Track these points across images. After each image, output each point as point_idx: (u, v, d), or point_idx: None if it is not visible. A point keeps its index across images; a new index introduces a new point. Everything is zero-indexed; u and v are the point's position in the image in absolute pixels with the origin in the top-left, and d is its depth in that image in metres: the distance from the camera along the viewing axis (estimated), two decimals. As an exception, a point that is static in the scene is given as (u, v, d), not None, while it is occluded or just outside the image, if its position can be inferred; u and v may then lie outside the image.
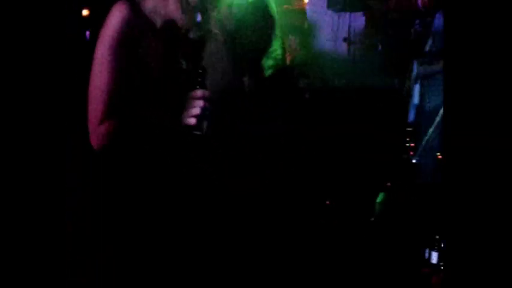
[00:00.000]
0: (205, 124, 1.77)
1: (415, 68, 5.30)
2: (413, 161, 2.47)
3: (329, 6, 6.23)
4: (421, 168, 5.01)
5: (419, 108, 5.36)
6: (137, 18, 1.84)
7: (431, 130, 2.43)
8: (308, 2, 6.39)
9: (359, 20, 6.49)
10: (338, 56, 6.30)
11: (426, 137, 2.50)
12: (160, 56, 1.82)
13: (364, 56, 6.42)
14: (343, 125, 5.60)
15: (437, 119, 2.39)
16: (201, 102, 1.75)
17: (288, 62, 4.78)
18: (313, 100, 5.73)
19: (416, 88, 5.35)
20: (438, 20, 4.96)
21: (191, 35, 1.89)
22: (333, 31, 6.25)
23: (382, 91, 5.88)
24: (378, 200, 4.80)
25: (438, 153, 5.60)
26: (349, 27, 6.15)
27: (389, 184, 5.44)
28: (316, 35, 6.53)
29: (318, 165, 5.19)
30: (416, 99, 5.37)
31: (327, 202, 5.07)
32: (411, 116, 5.46)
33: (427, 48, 5.12)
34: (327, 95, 5.88)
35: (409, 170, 4.97)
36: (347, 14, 6.18)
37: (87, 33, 5.06)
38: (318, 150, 5.28)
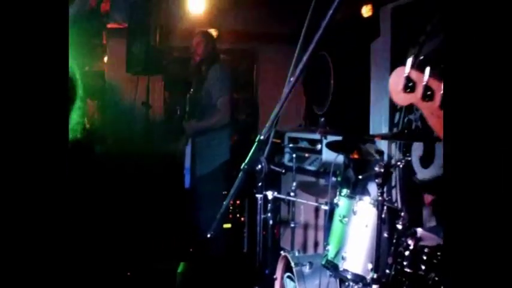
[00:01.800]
0: None
1: (187, 129, 5.56)
2: (208, 235, 2.53)
3: (128, 69, 6.17)
4: (215, 242, 5.18)
5: (192, 173, 5.58)
6: None
7: (225, 203, 2.50)
8: (107, 64, 6.33)
9: (159, 83, 6.58)
10: (136, 119, 6.29)
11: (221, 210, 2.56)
12: None
13: (164, 119, 6.53)
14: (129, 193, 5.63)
15: (232, 191, 2.46)
16: None
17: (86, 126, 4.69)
18: (109, 165, 5.65)
19: (188, 151, 5.58)
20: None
21: None
22: (132, 94, 6.22)
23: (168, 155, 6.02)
24: (179, 270, 4.85)
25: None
26: (148, 90, 6.17)
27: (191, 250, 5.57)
28: (115, 98, 6.48)
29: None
30: (187, 163, 5.59)
31: (128, 274, 5.00)
32: (187, 182, 5.65)
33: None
34: (122, 161, 5.82)
35: (204, 244, 5.15)
36: (146, 78, 6.19)
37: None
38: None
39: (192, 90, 5.68)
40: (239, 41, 7.14)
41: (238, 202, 6.54)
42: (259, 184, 2.53)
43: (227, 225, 6.33)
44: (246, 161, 2.28)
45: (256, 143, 2.27)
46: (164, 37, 5.95)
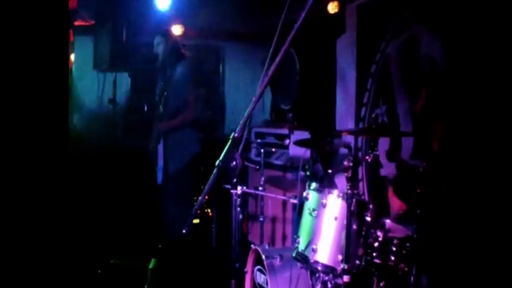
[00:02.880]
0: None
1: (155, 128, 5.58)
2: (183, 231, 2.59)
3: (95, 66, 6.14)
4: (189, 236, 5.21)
5: (164, 170, 5.60)
6: None
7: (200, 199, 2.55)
8: (74, 62, 6.28)
9: (125, 80, 6.56)
10: (102, 117, 6.26)
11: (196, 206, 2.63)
12: None
13: (128, 117, 6.51)
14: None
15: (207, 187, 2.52)
16: None
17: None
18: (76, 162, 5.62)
19: (160, 148, 5.61)
20: None
21: None
22: (99, 91, 6.19)
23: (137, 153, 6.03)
24: (150, 266, 4.87)
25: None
26: (115, 87, 6.15)
27: (160, 246, 5.58)
28: (82, 96, 6.43)
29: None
30: (161, 162, 5.62)
31: (98, 271, 5.01)
32: (159, 178, 5.68)
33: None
34: (86, 157, 5.80)
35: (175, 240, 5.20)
36: (113, 74, 6.17)
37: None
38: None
39: (159, 89, 5.71)
40: (205, 37, 7.17)
41: (206, 198, 6.56)
42: (234, 180, 2.59)
43: (196, 221, 6.36)
44: (220, 158, 2.34)
45: (230, 141, 2.32)
46: (131, 34, 5.95)
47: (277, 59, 2.09)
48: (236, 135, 2.28)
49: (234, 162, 2.46)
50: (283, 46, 2.11)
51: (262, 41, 7.36)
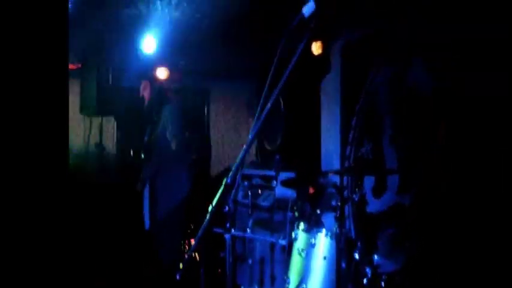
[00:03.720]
0: None
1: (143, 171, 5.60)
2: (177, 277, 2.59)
3: (81, 111, 6.17)
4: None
5: (152, 215, 5.60)
6: None
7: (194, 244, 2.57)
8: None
9: (112, 123, 6.58)
10: (89, 160, 6.26)
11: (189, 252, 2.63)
12: None
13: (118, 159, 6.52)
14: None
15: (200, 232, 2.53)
16: None
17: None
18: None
19: (146, 193, 5.61)
20: None
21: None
22: (85, 136, 6.21)
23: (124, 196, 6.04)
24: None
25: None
26: (101, 131, 6.17)
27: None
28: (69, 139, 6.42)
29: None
30: (146, 205, 5.61)
31: None
32: (146, 224, 5.66)
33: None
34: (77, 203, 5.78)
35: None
36: (99, 119, 6.20)
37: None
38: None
39: (146, 133, 5.75)
40: (190, 79, 7.24)
41: (192, 241, 6.57)
42: (228, 225, 2.61)
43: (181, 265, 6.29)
44: (213, 203, 2.36)
45: (223, 186, 2.35)
46: (116, 78, 6.00)
47: (269, 105, 2.15)
48: (229, 181, 2.32)
49: (227, 208, 2.49)
50: (273, 90, 2.17)
51: (247, 81, 7.52)
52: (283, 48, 2.45)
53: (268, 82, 2.42)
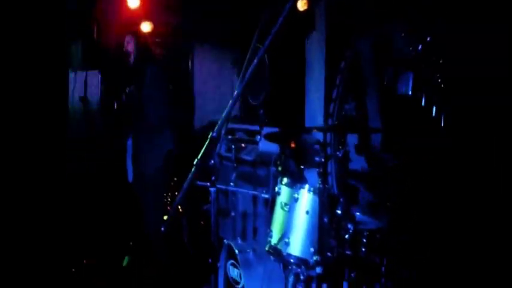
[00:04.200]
0: None
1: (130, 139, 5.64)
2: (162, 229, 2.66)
3: (65, 64, 6.12)
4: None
5: (135, 167, 5.65)
6: None
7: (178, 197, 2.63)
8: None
9: (96, 77, 6.56)
10: (74, 114, 6.25)
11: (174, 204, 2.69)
12: None
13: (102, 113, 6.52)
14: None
15: (185, 185, 2.59)
16: None
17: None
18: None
19: (129, 144, 5.65)
20: None
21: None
22: (70, 89, 6.18)
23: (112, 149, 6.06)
24: (124, 263, 4.92)
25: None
26: (86, 85, 6.16)
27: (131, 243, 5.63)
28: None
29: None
30: (129, 157, 5.66)
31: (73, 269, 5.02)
32: (130, 176, 5.72)
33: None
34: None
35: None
36: (84, 73, 6.18)
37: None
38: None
39: (130, 88, 5.75)
40: (176, 35, 7.20)
41: (176, 194, 6.65)
42: (213, 178, 2.66)
43: (164, 217, 6.39)
44: (198, 157, 2.41)
45: (208, 140, 2.39)
46: (101, 32, 5.95)
47: (255, 61, 2.18)
48: (214, 135, 2.36)
49: (212, 161, 2.54)
50: (259, 48, 2.20)
51: (230, 41, 7.50)
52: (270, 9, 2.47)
53: (254, 38, 2.44)
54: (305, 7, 5.57)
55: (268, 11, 2.48)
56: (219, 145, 2.49)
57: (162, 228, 2.57)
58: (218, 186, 4.34)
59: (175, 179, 6.49)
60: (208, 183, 2.74)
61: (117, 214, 6.00)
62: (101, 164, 6.14)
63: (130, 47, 5.56)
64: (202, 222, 5.93)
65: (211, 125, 7.38)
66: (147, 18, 6.17)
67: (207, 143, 2.40)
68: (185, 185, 2.47)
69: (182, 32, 7.18)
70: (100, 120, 6.53)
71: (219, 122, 2.36)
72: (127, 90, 5.76)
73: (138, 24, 6.00)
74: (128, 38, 5.58)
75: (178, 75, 7.51)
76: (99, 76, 6.60)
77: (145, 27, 6.24)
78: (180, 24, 6.93)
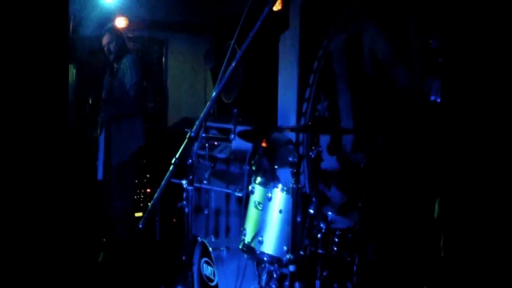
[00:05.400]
0: None
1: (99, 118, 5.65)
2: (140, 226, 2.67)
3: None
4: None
5: (106, 163, 5.66)
6: None
7: (156, 195, 2.66)
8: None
9: (70, 71, 6.50)
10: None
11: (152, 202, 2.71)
12: None
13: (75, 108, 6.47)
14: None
15: (163, 183, 2.61)
16: None
17: None
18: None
19: (101, 141, 5.64)
20: None
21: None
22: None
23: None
24: (99, 259, 4.91)
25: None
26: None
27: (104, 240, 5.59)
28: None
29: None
30: (101, 154, 5.66)
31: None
32: (100, 174, 5.72)
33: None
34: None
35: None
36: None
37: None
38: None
39: (106, 81, 5.76)
40: (149, 29, 7.22)
41: (148, 191, 6.66)
42: (190, 177, 2.69)
43: (138, 214, 6.40)
44: (176, 156, 2.43)
45: (186, 139, 2.42)
46: (76, 26, 5.93)
47: (233, 64, 2.21)
48: (193, 134, 2.39)
49: (190, 160, 2.56)
50: (239, 48, 2.23)
51: (205, 34, 7.52)
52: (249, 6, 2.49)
53: (234, 40, 2.47)
54: (279, 7, 5.61)
55: (247, 11, 2.50)
56: (197, 144, 2.52)
57: (140, 226, 2.58)
58: (194, 184, 4.38)
59: (147, 175, 6.49)
60: (184, 181, 2.77)
61: (88, 210, 5.97)
62: (72, 159, 6.10)
63: (112, 47, 5.59)
64: (174, 220, 5.93)
65: (185, 121, 7.36)
66: (122, 12, 6.17)
67: (185, 142, 2.42)
68: (163, 182, 2.49)
69: (156, 25, 7.20)
70: (73, 115, 6.49)
71: (197, 123, 2.38)
72: (102, 84, 5.77)
73: (114, 18, 5.98)
74: (107, 38, 5.60)
75: (151, 68, 7.53)
76: (74, 70, 6.58)
77: (120, 21, 6.23)
78: (155, 16, 6.94)
